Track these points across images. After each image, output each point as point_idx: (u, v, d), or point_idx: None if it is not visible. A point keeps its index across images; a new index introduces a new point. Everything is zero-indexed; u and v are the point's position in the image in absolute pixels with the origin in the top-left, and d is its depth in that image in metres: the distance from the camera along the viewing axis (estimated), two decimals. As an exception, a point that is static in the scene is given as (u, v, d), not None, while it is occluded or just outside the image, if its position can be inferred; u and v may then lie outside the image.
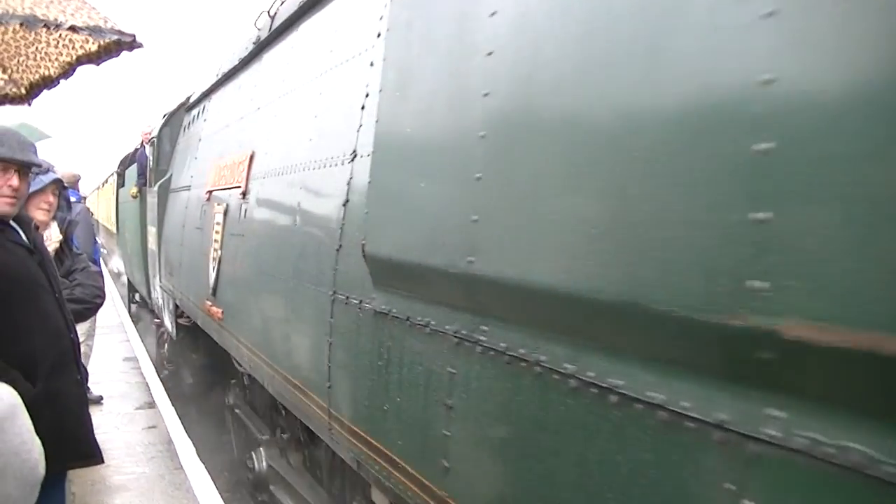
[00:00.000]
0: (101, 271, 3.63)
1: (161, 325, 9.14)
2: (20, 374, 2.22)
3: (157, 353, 9.31)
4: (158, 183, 8.49)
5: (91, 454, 2.51)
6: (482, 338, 1.85)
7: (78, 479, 4.82)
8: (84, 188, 12.39)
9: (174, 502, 4.71)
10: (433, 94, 2.10)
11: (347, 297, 2.66)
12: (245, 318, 4.17)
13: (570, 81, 1.53)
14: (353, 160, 2.79)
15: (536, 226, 1.60)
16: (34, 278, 2.41)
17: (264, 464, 4.49)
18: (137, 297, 13.55)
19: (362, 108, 2.81)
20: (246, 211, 4.30)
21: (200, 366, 7.54)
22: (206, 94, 6.99)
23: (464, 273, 1.86)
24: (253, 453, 4.69)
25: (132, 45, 2.55)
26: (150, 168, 9.26)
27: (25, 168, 2.48)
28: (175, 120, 8.81)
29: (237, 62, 5.48)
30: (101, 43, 2.62)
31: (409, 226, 2.15)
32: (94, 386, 6.93)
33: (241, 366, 4.52)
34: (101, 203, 20.13)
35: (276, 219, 3.73)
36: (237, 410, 6.05)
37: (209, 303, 5.16)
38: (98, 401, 6.97)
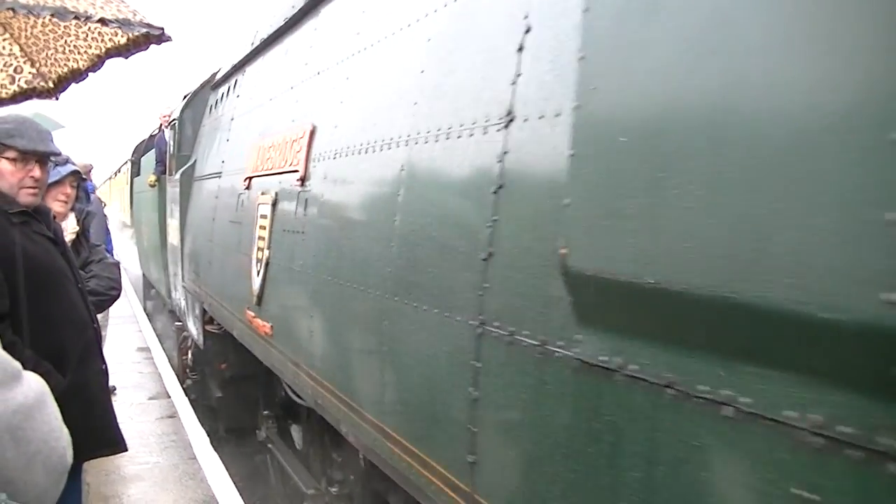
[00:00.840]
0: (119, 263, 3.50)
1: (183, 328, 8.27)
2: (52, 365, 2.22)
3: (179, 361, 8.44)
4: (180, 170, 7.61)
5: (117, 442, 2.55)
6: (915, 451, 0.94)
7: (92, 469, 4.67)
8: (94, 179, 11.59)
9: (188, 492, 4.62)
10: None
11: (512, 334, 1.75)
12: (308, 338, 3.27)
13: None
14: (507, 125, 1.88)
15: None
16: (60, 269, 2.41)
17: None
18: (153, 292, 12.72)
19: (520, 49, 1.89)
20: (307, 201, 3.39)
21: (231, 379, 6.66)
22: (239, 68, 6.08)
23: (871, 324, 0.95)
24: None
25: (161, 38, 2.55)
26: (170, 154, 8.37)
27: (45, 158, 2.46)
28: (198, 100, 7.91)
29: (282, 23, 4.56)
30: (130, 36, 2.60)
31: (682, 226, 1.24)
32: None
33: (298, 397, 3.62)
34: (113, 194, 19.21)
35: (358, 211, 2.83)
36: (270, 445, 5.19)
37: (251, 314, 4.27)
38: (112, 391, 6.66)
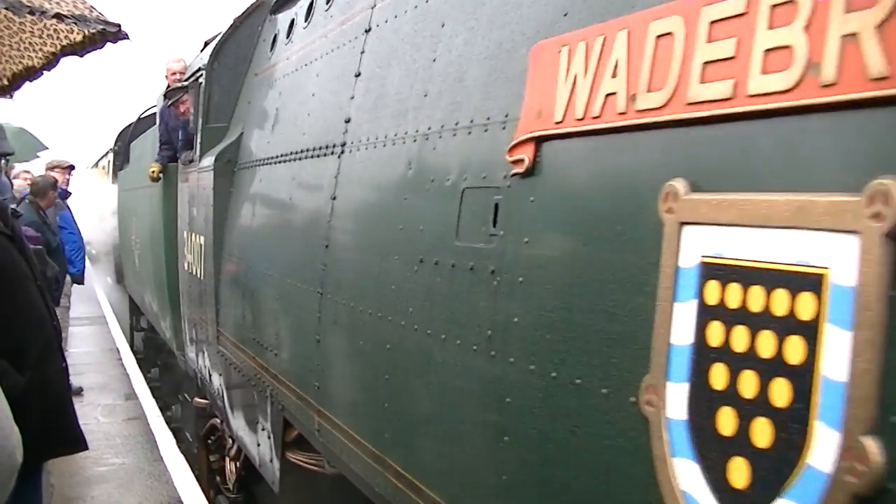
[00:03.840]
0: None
1: (211, 412, 5.07)
2: (9, 364, 2.20)
3: (203, 459, 5.23)
4: (216, 152, 4.43)
5: (77, 441, 2.51)
6: None
7: (57, 470, 4.64)
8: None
9: (154, 494, 4.61)
10: None
11: None
12: None
13: None
14: None
15: None
16: (18, 267, 2.35)
17: None
18: (144, 321, 9.44)
19: None
20: None
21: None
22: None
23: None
24: None
25: (117, 35, 2.55)
26: (192, 128, 5.17)
27: None
28: (240, 39, 4.74)
29: None
30: (86, 33, 2.60)
31: None
32: (75, 378, 6.65)
33: None
34: (88, 194, 15.63)
35: None
36: None
37: None
38: (78, 392, 6.55)
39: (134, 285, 8.82)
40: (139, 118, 9.96)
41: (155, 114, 8.46)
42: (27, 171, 8.10)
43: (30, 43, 2.80)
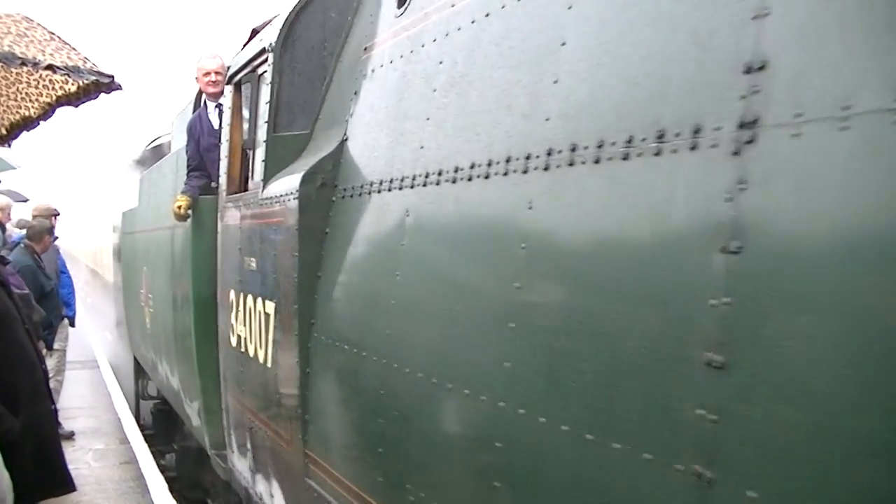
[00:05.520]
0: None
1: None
2: (4, 407, 2.21)
3: None
4: (299, 173, 2.83)
5: (66, 483, 2.50)
6: None
7: None
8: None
9: None
10: None
11: None
12: None
13: None
14: None
15: None
16: (8, 310, 2.35)
17: None
18: (151, 386, 7.74)
19: None
20: None
21: None
22: None
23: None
24: None
25: (111, 86, 2.59)
26: (249, 139, 3.55)
27: None
28: (326, 4, 3.19)
29: None
30: (80, 84, 2.65)
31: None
32: (66, 421, 6.71)
33: None
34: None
35: None
36: None
37: None
38: (70, 436, 6.60)
39: (142, 349, 7.11)
40: (146, 150, 8.59)
41: (168, 143, 6.94)
42: (24, 220, 8.31)
43: (26, 94, 2.84)
